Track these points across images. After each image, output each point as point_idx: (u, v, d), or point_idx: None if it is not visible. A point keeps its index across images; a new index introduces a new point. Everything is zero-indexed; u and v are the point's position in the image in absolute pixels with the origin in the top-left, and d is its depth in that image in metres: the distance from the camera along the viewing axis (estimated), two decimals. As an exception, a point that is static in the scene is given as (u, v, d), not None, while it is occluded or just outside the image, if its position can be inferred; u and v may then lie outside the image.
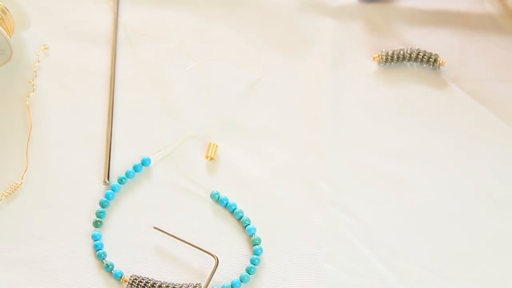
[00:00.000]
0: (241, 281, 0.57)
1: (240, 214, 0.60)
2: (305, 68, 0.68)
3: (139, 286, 0.56)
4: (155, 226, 0.59)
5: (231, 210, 0.60)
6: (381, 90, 0.67)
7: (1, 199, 0.60)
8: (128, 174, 0.62)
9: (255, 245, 0.58)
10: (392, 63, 0.68)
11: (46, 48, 0.68)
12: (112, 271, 0.57)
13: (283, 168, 0.63)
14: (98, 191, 0.61)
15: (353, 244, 0.59)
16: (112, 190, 0.61)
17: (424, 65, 0.68)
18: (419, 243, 0.59)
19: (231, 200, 0.60)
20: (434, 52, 0.67)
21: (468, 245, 0.59)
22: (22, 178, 0.61)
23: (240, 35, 0.70)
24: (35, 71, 0.67)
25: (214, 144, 0.63)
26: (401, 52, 0.67)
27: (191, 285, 0.56)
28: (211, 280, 0.56)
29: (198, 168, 0.63)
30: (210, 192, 0.61)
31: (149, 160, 0.62)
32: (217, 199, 0.61)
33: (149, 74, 0.67)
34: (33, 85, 0.66)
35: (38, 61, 0.67)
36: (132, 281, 0.57)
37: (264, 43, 0.70)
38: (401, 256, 0.58)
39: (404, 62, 0.68)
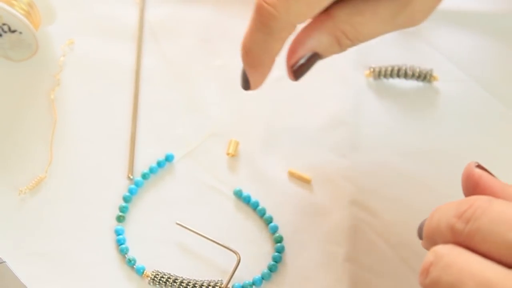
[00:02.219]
0: (263, 279, 0.57)
1: (263, 212, 0.60)
2: (328, 65, 0.68)
3: (161, 281, 0.56)
4: (178, 222, 0.59)
5: (254, 207, 0.60)
6: (404, 87, 0.67)
7: (25, 192, 0.61)
8: (151, 170, 0.62)
9: (277, 242, 0.58)
10: (384, 79, 0.67)
11: (71, 43, 0.69)
12: (134, 266, 0.58)
13: (305, 166, 0.63)
14: (121, 186, 0.61)
15: (375, 244, 0.59)
16: (136, 185, 0.61)
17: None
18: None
19: (253, 198, 0.60)
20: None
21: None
22: (46, 172, 0.62)
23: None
24: (60, 66, 0.67)
25: (235, 141, 0.63)
26: (394, 68, 0.66)
27: (212, 282, 0.56)
28: (233, 277, 0.56)
29: (221, 165, 0.63)
30: (233, 189, 0.61)
31: (172, 156, 0.62)
32: (240, 196, 0.61)
33: (173, 71, 0.67)
34: (58, 79, 0.66)
35: (64, 56, 0.68)
36: (154, 277, 0.57)
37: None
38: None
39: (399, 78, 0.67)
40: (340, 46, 0.49)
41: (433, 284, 0.37)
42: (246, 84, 0.52)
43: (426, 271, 0.38)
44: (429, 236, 0.41)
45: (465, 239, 0.37)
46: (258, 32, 0.47)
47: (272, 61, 0.49)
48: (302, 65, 0.49)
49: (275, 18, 0.45)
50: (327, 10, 0.48)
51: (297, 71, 0.50)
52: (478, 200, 0.37)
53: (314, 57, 0.49)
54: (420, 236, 0.44)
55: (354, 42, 0.50)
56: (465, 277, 0.35)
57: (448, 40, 0.69)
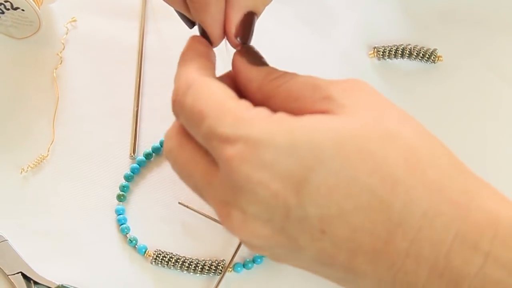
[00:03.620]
0: (263, 257, 0.57)
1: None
2: (332, 46, 0.67)
3: (163, 261, 0.57)
4: (180, 201, 0.59)
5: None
6: (408, 68, 0.67)
7: (27, 170, 0.60)
8: (154, 150, 0.61)
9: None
10: (388, 59, 0.66)
11: (74, 21, 0.68)
12: (136, 246, 0.58)
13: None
14: (124, 165, 0.61)
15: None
16: (138, 164, 0.61)
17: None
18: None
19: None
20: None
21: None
22: (48, 150, 0.61)
23: (268, 11, 0.69)
24: (63, 44, 0.66)
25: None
26: (398, 48, 0.66)
27: (215, 261, 0.56)
28: (235, 256, 0.56)
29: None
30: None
31: (175, 135, 0.62)
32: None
33: (176, 49, 0.67)
34: (61, 57, 0.66)
35: (66, 34, 0.67)
36: (156, 256, 0.57)
37: (293, 20, 0.69)
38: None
39: (403, 58, 0.66)
40: None
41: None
42: (206, 39, 0.49)
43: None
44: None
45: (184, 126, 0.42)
46: None
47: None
48: (244, 30, 0.48)
49: None
50: None
51: (242, 38, 0.48)
52: (176, 92, 0.42)
53: (250, 17, 0.48)
54: None
55: None
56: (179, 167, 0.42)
57: (450, 19, 0.69)
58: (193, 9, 0.47)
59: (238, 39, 0.47)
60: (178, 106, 0.41)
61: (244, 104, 0.39)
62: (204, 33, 0.48)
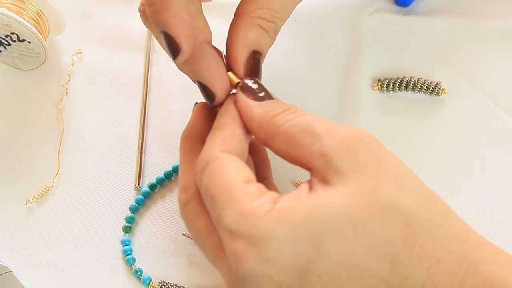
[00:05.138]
0: None
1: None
2: (335, 78, 0.68)
3: (167, 292, 0.57)
4: (184, 233, 0.59)
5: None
6: (411, 100, 0.67)
7: (32, 201, 0.60)
8: (158, 181, 0.62)
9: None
10: (392, 91, 0.67)
11: (80, 53, 0.69)
12: (141, 277, 0.57)
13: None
14: (129, 196, 0.61)
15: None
16: (143, 196, 0.61)
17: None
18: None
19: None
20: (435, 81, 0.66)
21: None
22: (53, 181, 0.62)
23: (275, 44, 0.69)
24: (68, 75, 0.67)
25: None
26: (402, 81, 0.66)
27: (219, 293, 0.56)
28: None
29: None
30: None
31: (180, 167, 0.62)
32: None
33: (181, 81, 0.67)
34: (66, 89, 0.66)
35: (72, 65, 0.68)
36: (161, 287, 0.57)
37: (297, 52, 0.69)
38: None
39: (407, 90, 0.66)
40: (267, 32, 0.49)
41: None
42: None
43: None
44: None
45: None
46: None
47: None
48: (252, 71, 0.49)
49: None
50: (237, 13, 0.49)
51: (251, 72, 0.49)
52: (198, 165, 0.43)
53: (255, 55, 0.49)
54: None
55: (275, 22, 0.50)
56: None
57: (456, 52, 0.69)
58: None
59: (249, 75, 0.48)
60: (198, 179, 0.43)
61: (252, 192, 0.40)
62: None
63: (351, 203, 0.38)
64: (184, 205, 0.45)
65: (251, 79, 0.47)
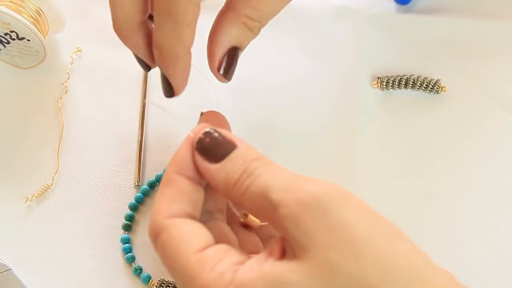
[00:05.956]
0: None
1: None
2: (334, 76, 0.68)
3: (167, 290, 0.57)
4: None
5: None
6: (411, 98, 0.67)
7: (31, 199, 0.60)
8: (158, 179, 0.62)
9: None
10: (392, 89, 0.67)
11: (79, 51, 0.69)
12: (140, 275, 0.57)
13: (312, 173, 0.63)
14: (128, 195, 0.61)
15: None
16: (142, 194, 0.61)
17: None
18: (445, 251, 0.59)
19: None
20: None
21: (496, 257, 0.59)
22: (52, 180, 0.62)
23: (273, 42, 0.70)
24: (68, 73, 0.67)
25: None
26: (402, 79, 0.66)
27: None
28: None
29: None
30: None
31: (179, 165, 0.62)
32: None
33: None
34: (66, 87, 0.66)
35: (71, 63, 0.68)
36: (160, 285, 0.57)
37: (296, 50, 0.69)
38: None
39: (406, 88, 0.67)
40: (251, 30, 0.50)
41: None
42: (169, 90, 0.51)
43: None
44: None
45: None
46: (165, 22, 0.46)
47: (187, 53, 0.49)
48: (227, 64, 0.50)
49: (175, 1, 0.45)
50: (226, 5, 0.49)
51: (225, 71, 0.50)
52: (150, 231, 0.42)
53: (233, 51, 0.50)
54: None
55: (261, 21, 0.50)
56: None
57: (455, 50, 0.69)
58: (160, 61, 0.49)
59: (221, 72, 0.50)
60: (153, 244, 0.42)
61: (209, 261, 0.39)
62: (165, 79, 0.50)
63: (311, 281, 0.36)
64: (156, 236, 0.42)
65: (206, 133, 0.44)
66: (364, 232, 0.36)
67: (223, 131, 0.44)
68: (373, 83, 0.66)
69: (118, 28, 0.50)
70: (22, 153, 0.63)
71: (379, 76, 0.66)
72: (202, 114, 0.52)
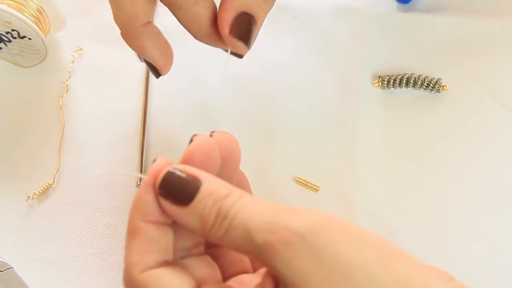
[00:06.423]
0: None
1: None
2: (336, 75, 0.68)
3: None
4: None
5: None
6: (412, 97, 0.67)
7: (32, 198, 0.60)
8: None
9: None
10: (393, 88, 0.67)
11: (80, 49, 0.69)
12: (142, 274, 0.57)
13: (312, 174, 0.63)
14: (129, 193, 0.61)
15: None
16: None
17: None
18: (445, 250, 0.59)
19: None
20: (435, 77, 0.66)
21: (494, 255, 0.59)
22: (53, 178, 0.62)
23: (275, 40, 0.69)
24: (69, 72, 0.67)
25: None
26: (403, 78, 0.66)
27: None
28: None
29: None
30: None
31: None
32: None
33: (182, 78, 0.67)
34: (67, 85, 0.66)
35: (73, 62, 0.68)
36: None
37: (297, 49, 0.69)
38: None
39: (407, 87, 0.67)
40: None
41: None
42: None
43: None
44: None
45: None
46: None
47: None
48: (239, 28, 0.47)
49: None
50: None
51: (238, 35, 0.47)
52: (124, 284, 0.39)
53: (245, 17, 0.47)
54: None
55: None
56: None
57: (456, 49, 0.69)
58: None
59: (239, 43, 0.47)
60: None
61: None
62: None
63: None
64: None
65: (165, 177, 0.39)
66: (356, 262, 0.34)
67: (184, 167, 0.39)
68: (374, 82, 0.66)
69: (122, 29, 0.49)
70: (23, 151, 0.63)
71: (380, 75, 0.66)
72: (193, 137, 0.43)
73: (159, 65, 0.51)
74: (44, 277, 0.58)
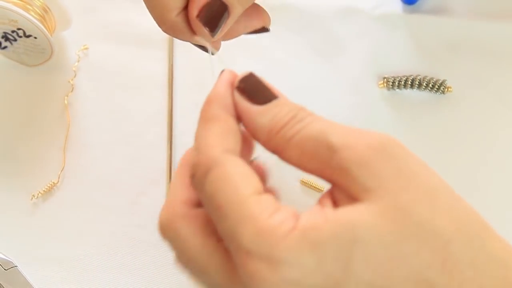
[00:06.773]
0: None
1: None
2: (341, 76, 0.68)
3: (172, 288, 0.57)
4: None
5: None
6: (417, 98, 0.67)
7: (37, 197, 0.61)
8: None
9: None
10: (398, 89, 0.67)
11: (86, 48, 0.69)
12: (146, 272, 0.58)
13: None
14: (134, 192, 0.62)
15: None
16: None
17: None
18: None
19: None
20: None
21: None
22: (58, 177, 0.62)
23: (279, 41, 0.69)
24: (74, 71, 0.67)
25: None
26: (408, 79, 0.66)
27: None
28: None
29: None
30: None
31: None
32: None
33: (188, 78, 0.67)
34: (72, 84, 0.66)
35: (78, 61, 0.68)
36: (165, 283, 0.57)
37: (302, 50, 0.69)
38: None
39: (412, 88, 0.66)
40: None
41: None
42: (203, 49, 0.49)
43: None
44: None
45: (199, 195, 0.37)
46: None
47: (175, 17, 0.45)
48: (209, 14, 0.45)
49: None
50: None
51: (205, 21, 0.45)
52: (196, 168, 0.37)
53: (218, 2, 0.45)
54: None
55: None
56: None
57: (461, 50, 0.69)
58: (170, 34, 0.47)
59: (204, 28, 0.45)
60: (197, 186, 0.37)
61: (267, 206, 0.35)
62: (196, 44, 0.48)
63: (382, 223, 0.34)
64: (170, 222, 0.38)
65: (247, 76, 0.41)
66: (433, 181, 0.36)
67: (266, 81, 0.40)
68: (379, 83, 0.66)
69: (162, 26, 0.47)
70: (28, 150, 0.63)
71: (385, 76, 0.66)
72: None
73: (210, 46, 0.48)
74: (48, 275, 0.58)
